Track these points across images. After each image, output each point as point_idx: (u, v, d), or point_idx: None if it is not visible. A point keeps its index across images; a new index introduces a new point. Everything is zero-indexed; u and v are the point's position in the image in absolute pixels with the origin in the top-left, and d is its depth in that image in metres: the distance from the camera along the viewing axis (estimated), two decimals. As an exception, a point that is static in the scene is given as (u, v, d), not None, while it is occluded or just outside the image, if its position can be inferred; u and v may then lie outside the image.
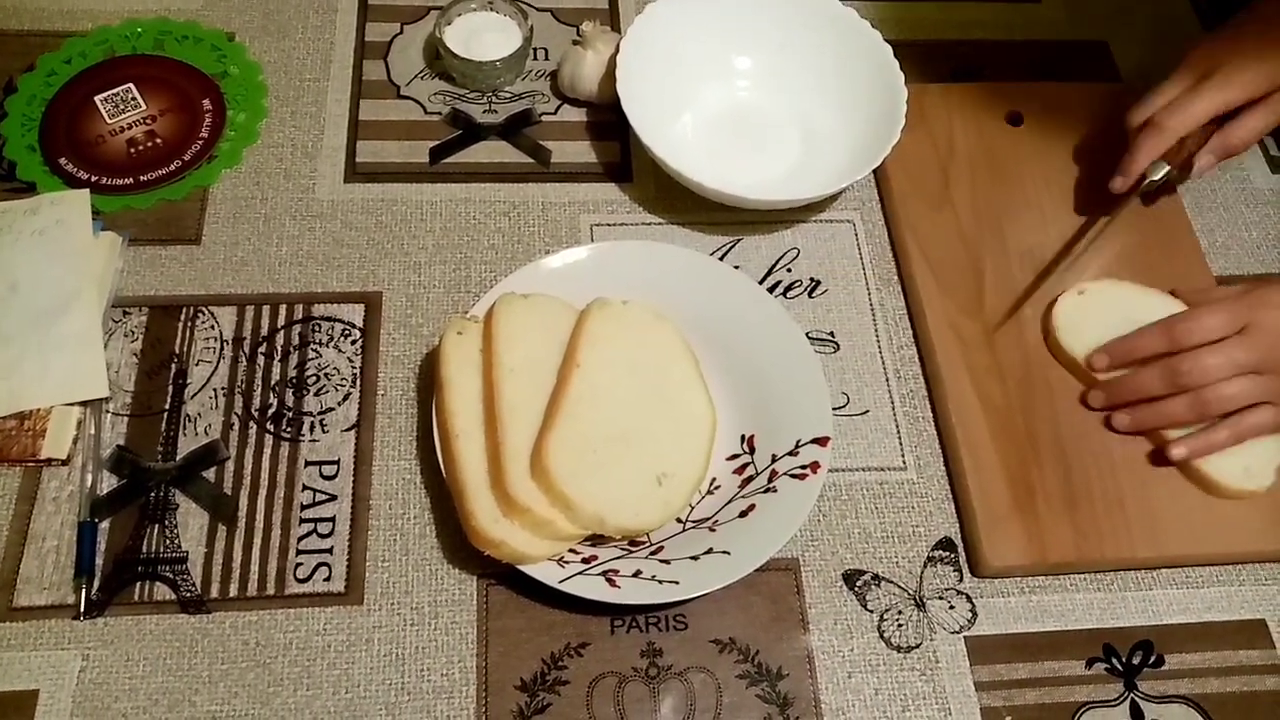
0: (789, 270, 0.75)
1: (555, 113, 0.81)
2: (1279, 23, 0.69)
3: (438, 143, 0.78)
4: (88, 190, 0.72)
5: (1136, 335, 0.68)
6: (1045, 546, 0.63)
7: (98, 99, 0.77)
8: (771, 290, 0.73)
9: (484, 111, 0.80)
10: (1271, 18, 0.69)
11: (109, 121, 0.76)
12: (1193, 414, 0.65)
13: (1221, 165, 0.74)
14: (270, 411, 0.66)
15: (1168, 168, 0.71)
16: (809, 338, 0.68)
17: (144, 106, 0.77)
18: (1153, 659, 0.62)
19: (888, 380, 0.71)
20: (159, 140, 0.76)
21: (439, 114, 0.79)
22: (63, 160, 0.74)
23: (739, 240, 0.76)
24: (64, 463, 0.63)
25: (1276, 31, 0.68)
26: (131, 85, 0.78)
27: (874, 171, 0.77)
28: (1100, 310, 0.70)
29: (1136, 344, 0.67)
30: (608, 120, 0.80)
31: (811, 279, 0.75)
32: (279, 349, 0.68)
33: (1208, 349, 0.65)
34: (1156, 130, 0.70)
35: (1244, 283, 0.74)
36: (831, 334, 0.72)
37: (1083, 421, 0.68)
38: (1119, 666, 0.62)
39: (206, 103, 0.78)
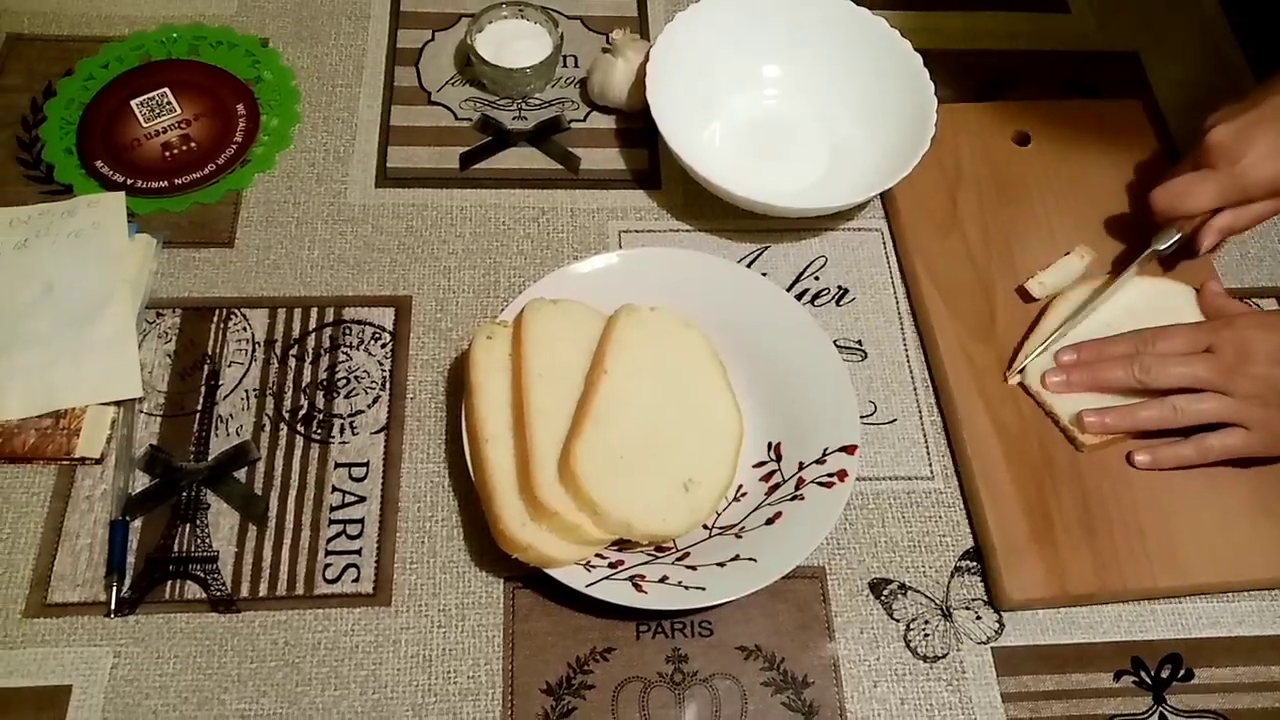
0: (817, 278, 0.75)
1: (584, 120, 0.81)
2: None
3: (468, 149, 0.78)
4: (123, 193, 0.73)
5: (1107, 339, 0.68)
6: (1065, 578, 0.62)
7: (134, 103, 0.78)
8: (799, 298, 0.73)
9: (514, 118, 0.81)
10: None
11: (144, 125, 0.77)
12: (1162, 422, 0.65)
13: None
14: (301, 413, 0.66)
15: (1178, 235, 0.71)
16: (836, 346, 0.68)
17: (179, 111, 0.78)
18: (1182, 672, 0.62)
19: (915, 389, 0.71)
20: (193, 144, 0.77)
21: (469, 120, 0.80)
22: (99, 163, 0.75)
23: (767, 248, 0.76)
24: (98, 462, 0.64)
25: None
26: (167, 90, 0.79)
27: (881, 196, 0.77)
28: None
29: (1105, 346, 0.68)
30: (637, 127, 0.80)
31: (839, 287, 0.75)
32: (310, 351, 0.69)
33: (1170, 357, 0.65)
34: (1153, 209, 0.70)
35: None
36: (859, 342, 0.72)
37: (1100, 447, 0.67)
38: (1148, 680, 0.62)
39: (240, 107, 0.79)
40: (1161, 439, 0.66)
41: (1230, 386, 0.64)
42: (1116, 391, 0.67)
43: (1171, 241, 0.71)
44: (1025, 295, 0.72)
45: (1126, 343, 0.68)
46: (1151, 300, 0.71)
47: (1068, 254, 0.73)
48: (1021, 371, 0.69)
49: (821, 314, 0.73)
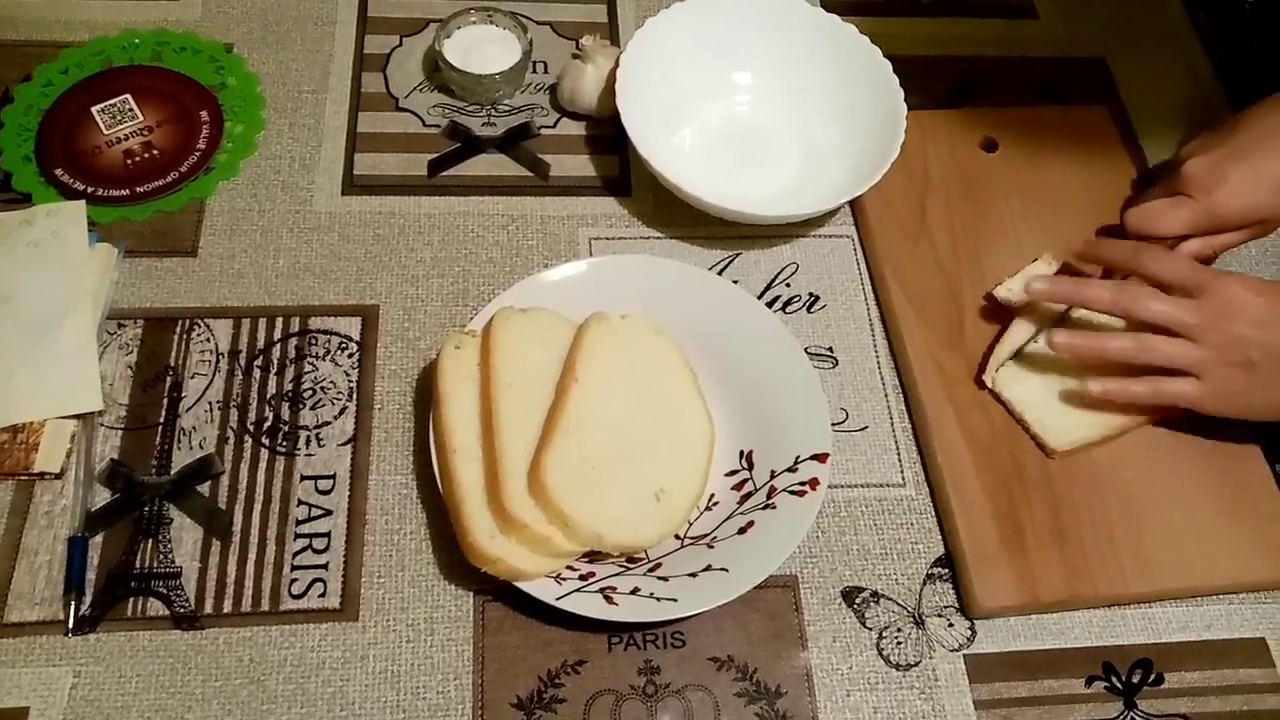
0: (788, 285, 0.75)
1: (554, 126, 0.81)
2: (1274, 143, 0.68)
3: (436, 155, 0.78)
4: (84, 202, 0.72)
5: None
6: (1036, 585, 0.62)
7: (95, 110, 0.76)
8: (770, 305, 0.73)
9: (483, 124, 0.80)
10: (1269, 134, 0.69)
11: (106, 133, 0.76)
12: (1120, 354, 0.65)
13: None
14: (266, 425, 0.65)
15: None
16: (808, 353, 0.68)
17: (141, 118, 0.77)
18: (1152, 677, 0.62)
19: (886, 396, 0.70)
20: (156, 151, 0.75)
21: (437, 127, 0.79)
22: (59, 171, 0.73)
23: (738, 255, 0.76)
24: (57, 476, 0.62)
25: (1269, 162, 0.68)
26: (129, 96, 0.77)
27: (851, 203, 0.77)
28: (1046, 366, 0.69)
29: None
30: (607, 134, 0.80)
31: (811, 294, 0.74)
32: (275, 362, 0.68)
33: (1159, 295, 0.64)
34: (1125, 227, 0.72)
35: None
36: (830, 349, 0.72)
37: (1069, 454, 0.67)
38: (1119, 685, 0.62)
39: (204, 114, 0.77)
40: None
41: (1203, 336, 0.63)
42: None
43: None
44: (993, 302, 0.72)
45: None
46: None
47: (1035, 260, 0.74)
48: (995, 374, 0.69)
49: (793, 321, 0.73)
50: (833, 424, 0.68)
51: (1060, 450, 0.66)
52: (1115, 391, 0.66)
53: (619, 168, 0.79)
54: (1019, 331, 0.70)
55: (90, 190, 0.73)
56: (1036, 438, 0.67)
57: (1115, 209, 0.77)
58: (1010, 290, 0.72)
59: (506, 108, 0.81)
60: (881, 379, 0.71)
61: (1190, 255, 0.70)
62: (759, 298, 0.73)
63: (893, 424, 0.69)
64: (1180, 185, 0.70)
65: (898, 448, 0.69)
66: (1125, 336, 0.65)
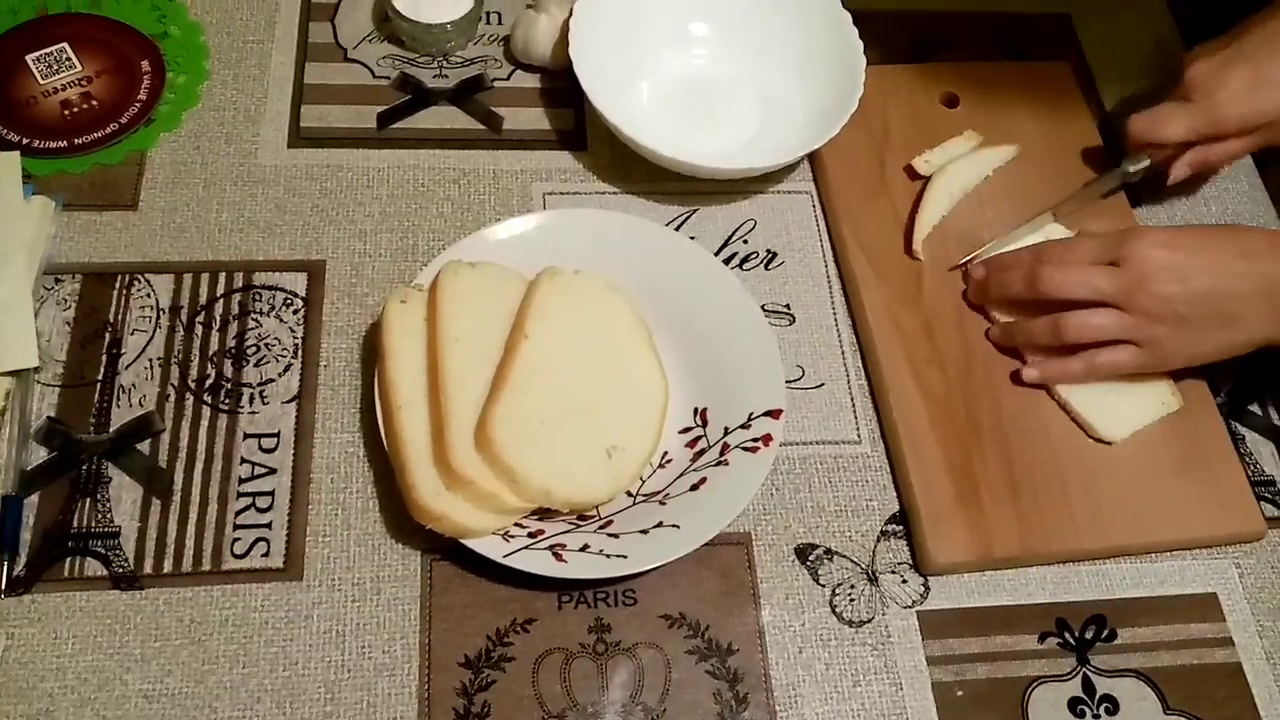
0: (745, 241, 0.74)
1: (508, 78, 0.79)
2: (1277, 48, 0.67)
3: (386, 108, 0.76)
4: (18, 153, 0.69)
5: (1010, 252, 0.70)
6: (990, 542, 0.62)
7: (29, 58, 0.73)
8: (728, 262, 0.72)
9: (434, 76, 0.78)
10: (1274, 37, 0.67)
11: (42, 82, 0.73)
12: (1051, 337, 0.65)
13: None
14: (208, 383, 0.64)
15: (1148, 162, 0.71)
16: (765, 310, 0.67)
17: (79, 67, 0.74)
18: (1105, 633, 0.62)
19: (844, 353, 0.70)
20: (95, 102, 0.73)
21: (387, 78, 0.77)
22: (-8, 122, 0.71)
23: (695, 210, 0.74)
24: (-10, 435, 0.61)
25: (1274, 65, 0.67)
26: (66, 45, 0.74)
27: (809, 158, 0.76)
28: None
29: (1010, 257, 0.69)
30: (562, 87, 0.78)
31: (768, 250, 0.73)
32: (218, 318, 0.66)
33: (1071, 265, 0.64)
34: (1127, 135, 0.71)
35: None
36: (788, 306, 0.71)
37: (1024, 407, 0.66)
38: (1071, 641, 0.62)
39: (145, 64, 0.75)
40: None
41: (1128, 302, 0.62)
42: (1020, 309, 0.68)
43: (1141, 165, 0.71)
44: (912, 173, 0.74)
45: (1029, 253, 0.68)
46: None
47: (958, 136, 0.75)
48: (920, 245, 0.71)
49: (750, 278, 0.72)
50: (789, 381, 0.67)
51: (1118, 440, 0.65)
52: (1052, 374, 0.66)
53: (574, 121, 0.77)
54: (936, 201, 0.72)
55: (25, 141, 0.70)
56: (1088, 429, 0.66)
57: (1076, 165, 0.76)
58: (928, 162, 0.74)
59: (458, 59, 0.79)
60: (839, 336, 0.70)
61: (1194, 166, 0.70)
62: (716, 254, 0.72)
63: (849, 381, 0.69)
64: (1183, 91, 0.69)
65: (854, 405, 0.68)
66: (1045, 320, 0.65)
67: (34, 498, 0.59)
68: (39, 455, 0.61)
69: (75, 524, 0.59)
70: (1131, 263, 0.62)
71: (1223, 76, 0.68)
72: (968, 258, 0.71)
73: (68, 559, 0.58)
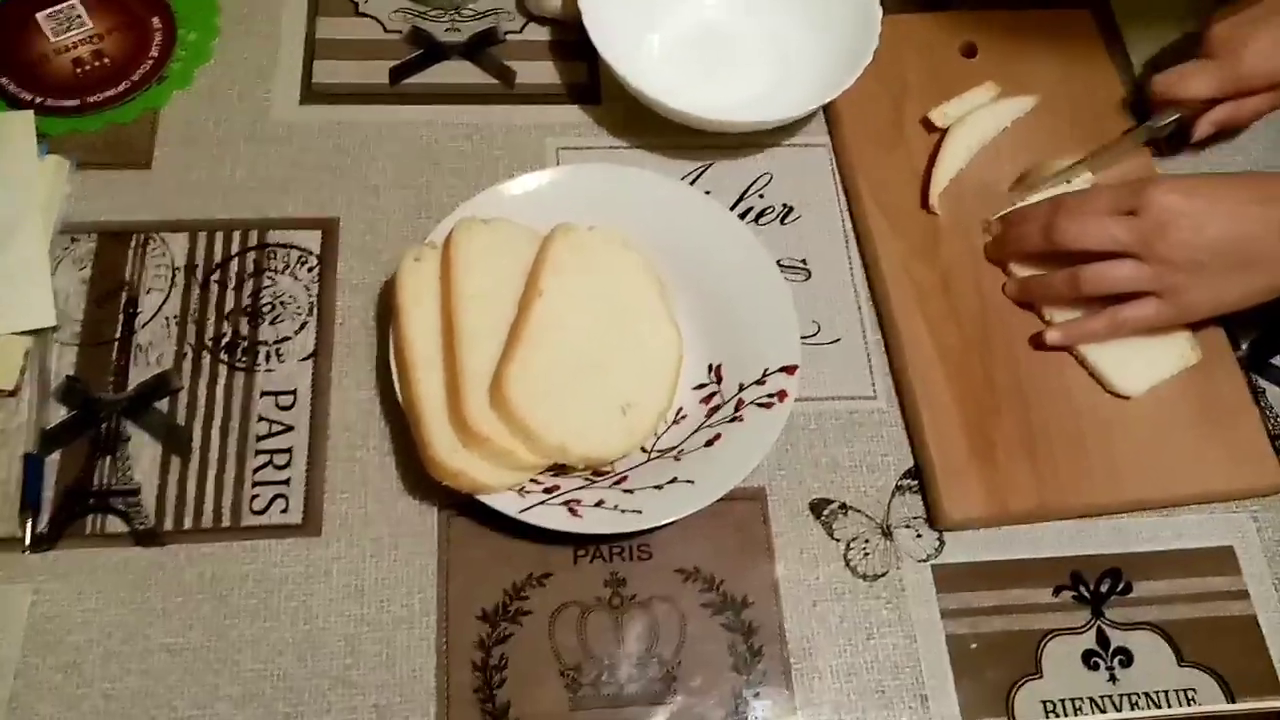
0: (761, 196, 0.73)
1: (521, 31, 0.78)
2: None
3: (398, 63, 0.75)
4: (31, 112, 0.69)
5: (1029, 205, 0.69)
6: (1005, 497, 0.61)
7: (40, 16, 0.73)
8: (743, 216, 0.71)
9: (446, 30, 0.77)
10: None
11: (53, 40, 0.73)
12: (1069, 289, 0.64)
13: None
14: (224, 341, 0.64)
15: (1175, 116, 0.70)
16: (780, 265, 0.66)
17: (90, 24, 0.74)
18: (1120, 586, 0.62)
19: (860, 308, 0.69)
20: (106, 60, 0.72)
21: (399, 33, 0.76)
22: (4, 80, 0.71)
23: (710, 165, 0.74)
24: (11, 394, 0.61)
25: None
26: (76, 2, 0.74)
27: (825, 111, 0.75)
28: None
29: (1028, 210, 0.68)
30: (575, 40, 0.77)
31: (784, 205, 0.73)
32: (233, 277, 0.66)
33: (1089, 215, 0.64)
34: (1150, 94, 0.71)
35: None
36: (803, 261, 0.71)
37: (1041, 362, 0.66)
38: (1086, 594, 0.62)
39: (156, 20, 0.74)
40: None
41: (1147, 251, 0.62)
42: (1039, 263, 0.67)
43: (1168, 120, 0.70)
44: (929, 126, 0.73)
45: (1045, 205, 0.67)
46: None
47: (978, 87, 0.74)
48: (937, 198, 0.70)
49: (766, 233, 0.71)
50: (804, 337, 0.67)
51: (1137, 394, 0.65)
52: (1075, 335, 0.65)
53: (588, 75, 0.76)
54: (954, 154, 0.71)
55: (38, 100, 0.70)
56: (1106, 383, 0.65)
57: (1096, 115, 0.75)
58: (945, 114, 0.73)
59: (471, 12, 0.78)
60: (855, 291, 0.70)
61: (1218, 124, 0.70)
62: (731, 209, 0.71)
63: (865, 337, 0.68)
64: (1206, 49, 0.69)
65: (869, 360, 0.68)
66: (1064, 274, 0.65)
67: (55, 456, 0.60)
68: (59, 414, 0.61)
69: (96, 482, 0.60)
70: (1149, 211, 0.61)
71: (1247, 33, 0.67)
72: (1001, 212, 0.70)
73: (89, 516, 0.59)
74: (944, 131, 0.72)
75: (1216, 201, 0.61)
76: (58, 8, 0.74)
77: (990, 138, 0.73)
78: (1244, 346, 0.70)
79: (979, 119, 0.73)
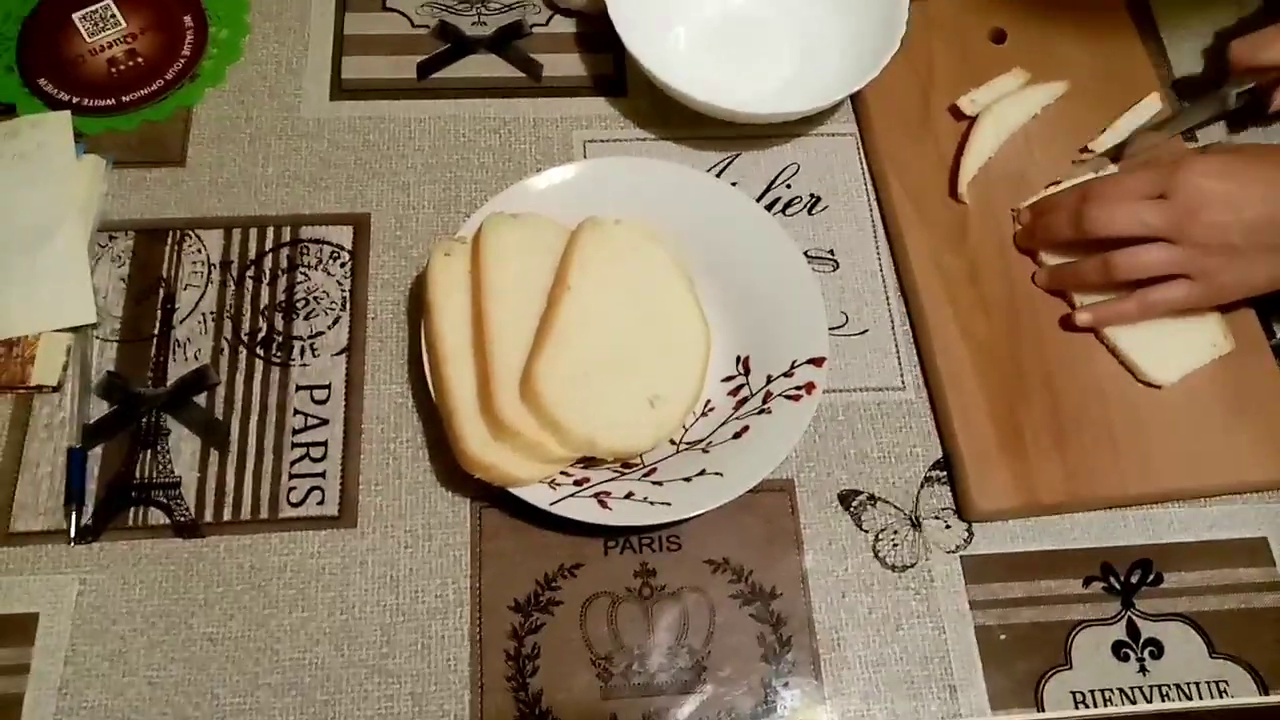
0: (789, 186, 0.73)
1: (546, 24, 0.78)
2: None
3: (425, 57, 0.75)
4: (69, 112, 0.70)
5: (1059, 192, 0.68)
6: (1034, 488, 0.61)
7: (76, 17, 0.74)
8: (770, 207, 0.71)
9: (473, 24, 0.77)
10: None
11: (88, 40, 0.74)
12: (1101, 276, 0.64)
13: None
14: (260, 336, 0.65)
15: (1251, 85, 0.69)
16: (808, 256, 0.66)
17: (124, 24, 0.75)
18: (1151, 577, 0.62)
19: (888, 299, 0.69)
20: (140, 59, 0.74)
21: (426, 27, 0.77)
22: (42, 81, 0.72)
23: (737, 155, 0.74)
24: (55, 389, 0.63)
25: None
26: (110, 2, 0.75)
27: (852, 99, 0.75)
28: None
29: (1057, 198, 0.67)
30: (601, 31, 0.77)
31: (812, 195, 0.73)
32: (267, 272, 0.67)
33: (1118, 201, 0.63)
34: (1231, 65, 0.69)
35: None
36: (831, 251, 0.71)
37: (1071, 351, 0.65)
38: (1117, 585, 0.62)
39: (188, 19, 0.75)
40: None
41: (1179, 235, 0.61)
42: (1069, 251, 0.66)
43: (1243, 88, 0.70)
44: (957, 113, 0.72)
45: (1074, 192, 0.66)
46: None
47: (1005, 74, 0.74)
48: (966, 187, 0.70)
49: (793, 223, 0.71)
50: (833, 328, 0.67)
51: (1168, 383, 0.65)
52: (1106, 316, 0.65)
53: (614, 67, 0.76)
54: (982, 142, 0.71)
55: (75, 100, 0.72)
56: (1137, 372, 0.65)
57: (1128, 102, 0.74)
58: (973, 101, 0.72)
59: (497, 5, 0.78)
60: (883, 281, 0.70)
61: None
62: (759, 199, 0.71)
63: (893, 327, 0.68)
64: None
65: (898, 351, 0.68)
66: (1095, 260, 0.64)
67: (97, 450, 0.62)
68: (100, 409, 0.63)
69: (138, 475, 0.61)
70: (1181, 195, 0.61)
71: None
72: (1035, 197, 0.70)
73: (132, 508, 0.60)
74: (972, 119, 0.72)
75: (1249, 184, 0.60)
76: (92, 8, 0.75)
77: (1019, 125, 0.73)
78: (1278, 334, 0.69)
79: (1007, 106, 0.72)
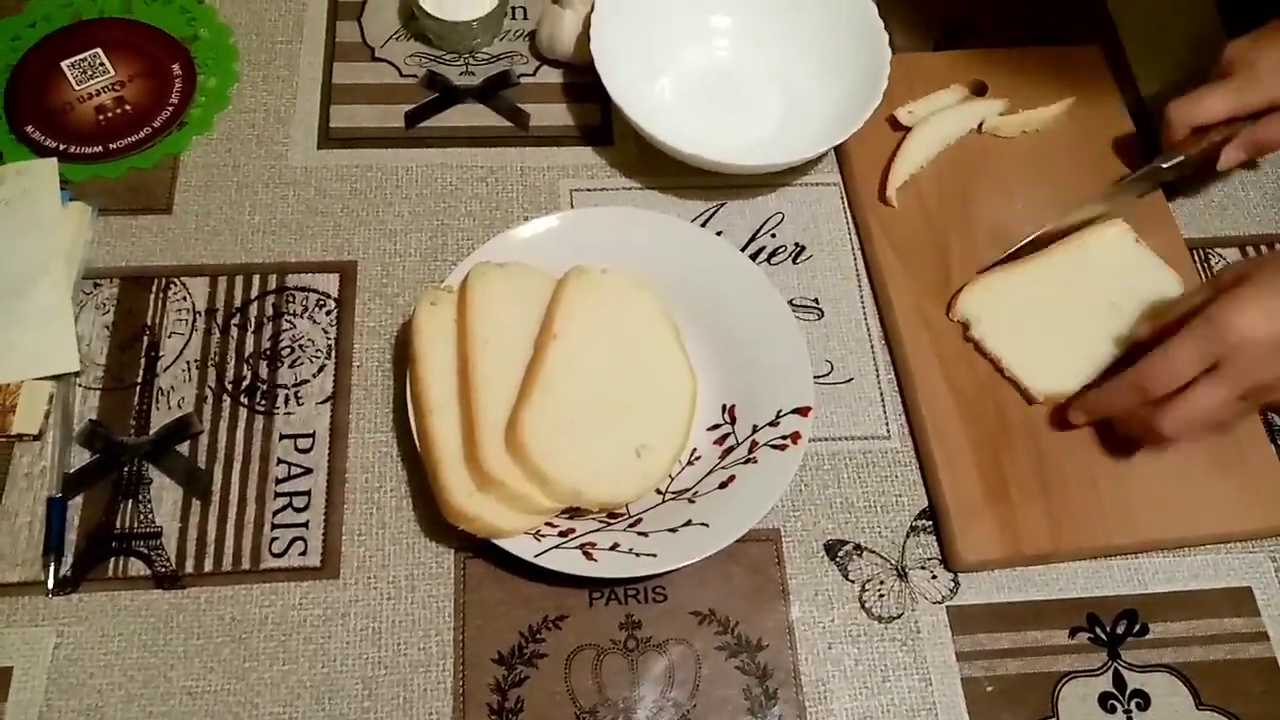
0: (773, 235, 0.73)
1: (534, 74, 0.79)
2: None
3: (413, 106, 0.76)
4: (55, 159, 0.70)
5: (1108, 390, 0.63)
6: (1020, 538, 0.61)
7: (64, 64, 0.75)
8: (755, 256, 0.72)
9: (461, 74, 0.78)
10: None
11: (77, 88, 0.74)
12: (1150, 427, 0.61)
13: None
14: (244, 384, 0.65)
15: (1180, 158, 0.70)
16: (793, 305, 0.67)
17: (112, 72, 0.75)
18: (1137, 628, 0.62)
19: (873, 348, 0.69)
20: (128, 107, 0.74)
21: (414, 77, 0.78)
22: (29, 128, 0.72)
23: (723, 205, 0.74)
24: (36, 438, 0.62)
25: None
26: (99, 50, 0.76)
27: (836, 151, 0.76)
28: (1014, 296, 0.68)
29: (1109, 401, 0.63)
30: (587, 82, 0.78)
31: (796, 244, 0.73)
32: (252, 320, 0.67)
33: (1187, 404, 0.58)
34: (1166, 123, 0.70)
35: (1210, 279, 0.69)
36: (816, 300, 0.71)
37: (1053, 400, 0.66)
38: (1103, 636, 0.62)
39: (176, 67, 0.76)
40: None
41: (1248, 392, 0.58)
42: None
43: (1174, 161, 0.70)
44: (895, 124, 0.75)
45: (1129, 387, 0.61)
46: (1127, 279, 0.69)
47: (942, 90, 0.77)
48: (894, 192, 0.72)
49: (778, 272, 0.72)
50: (818, 376, 0.67)
51: (1046, 395, 0.65)
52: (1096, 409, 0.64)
53: (600, 116, 0.77)
54: (915, 150, 0.73)
55: (62, 147, 0.72)
56: (1015, 381, 0.66)
57: (1107, 152, 0.75)
58: (911, 113, 0.75)
59: (485, 56, 0.79)
60: (868, 331, 0.70)
61: (1245, 148, 0.69)
62: (744, 249, 0.72)
63: (878, 376, 0.69)
64: (1221, 69, 0.68)
65: (883, 400, 0.68)
66: (1150, 411, 0.60)
67: (78, 499, 0.61)
68: (82, 457, 0.62)
69: (118, 525, 0.60)
70: (1239, 358, 0.57)
71: (1261, 47, 0.67)
72: (1005, 254, 0.70)
73: (111, 559, 0.60)
74: (908, 130, 0.74)
75: None
76: (81, 56, 0.75)
77: (955, 138, 0.75)
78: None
79: (944, 119, 0.75)
